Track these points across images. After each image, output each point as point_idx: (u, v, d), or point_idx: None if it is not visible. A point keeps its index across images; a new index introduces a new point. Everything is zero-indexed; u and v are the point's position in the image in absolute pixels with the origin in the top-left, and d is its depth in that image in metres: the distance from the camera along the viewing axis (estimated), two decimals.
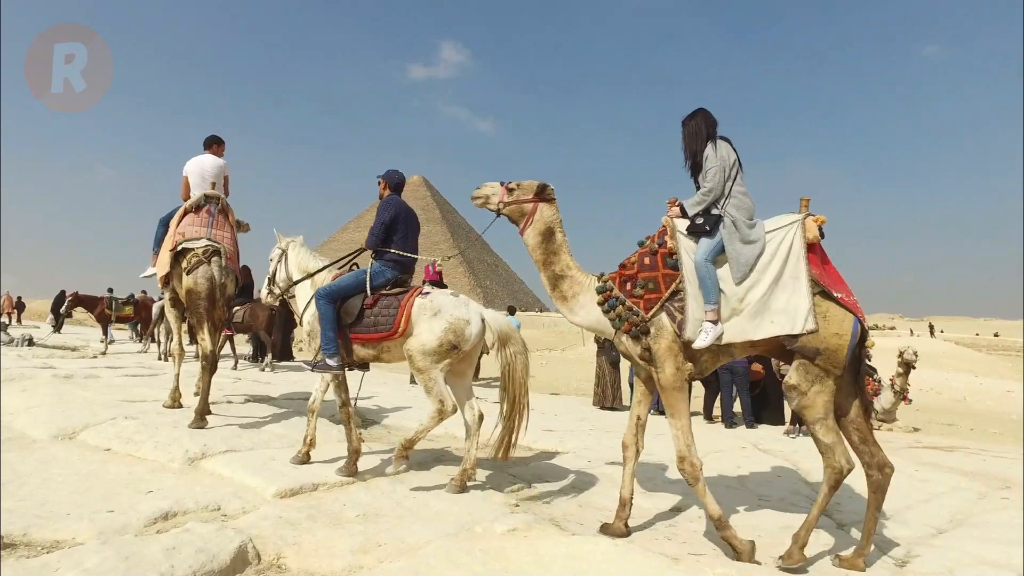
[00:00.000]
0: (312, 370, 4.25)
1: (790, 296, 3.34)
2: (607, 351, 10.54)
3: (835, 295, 3.33)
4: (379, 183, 4.69)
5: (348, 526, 3.29)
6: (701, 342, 3.42)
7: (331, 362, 4.19)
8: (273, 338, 11.40)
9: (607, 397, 10.32)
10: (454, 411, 4.18)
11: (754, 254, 3.42)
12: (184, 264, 5.49)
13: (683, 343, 3.48)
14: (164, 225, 5.96)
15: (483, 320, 4.33)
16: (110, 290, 15.26)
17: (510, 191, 3.98)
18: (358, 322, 4.27)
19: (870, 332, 3.59)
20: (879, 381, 10.23)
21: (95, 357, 11.10)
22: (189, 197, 5.83)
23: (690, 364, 3.54)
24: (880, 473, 3.43)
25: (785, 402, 8.23)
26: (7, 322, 18.36)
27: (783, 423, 8.98)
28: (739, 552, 3.35)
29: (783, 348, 3.41)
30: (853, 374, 3.50)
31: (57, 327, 17.31)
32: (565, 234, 3.99)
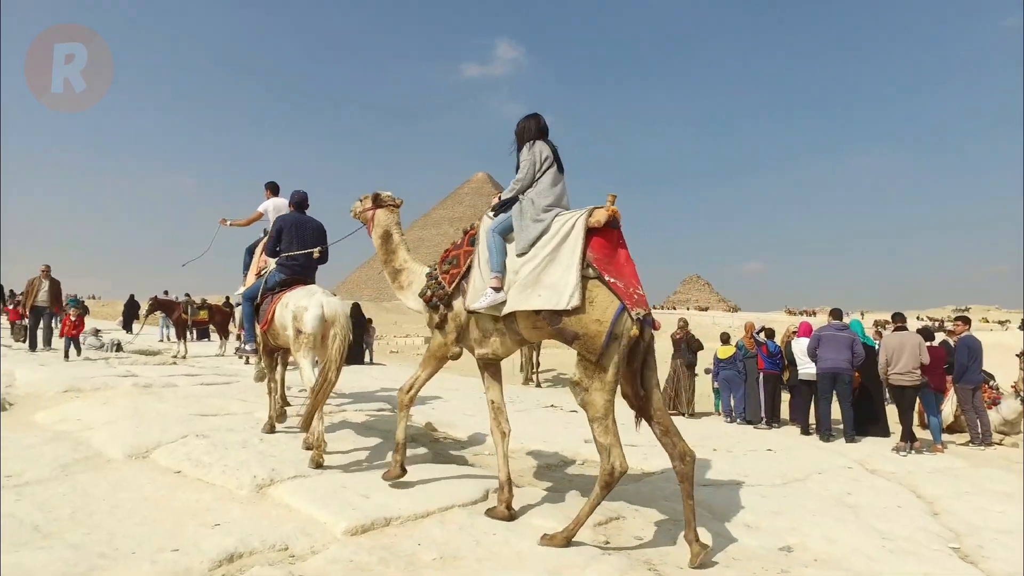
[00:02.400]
0: (236, 353, 5.82)
1: (562, 273, 3.42)
2: (683, 353, 9.91)
3: (607, 280, 3.36)
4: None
5: (425, 573, 2.96)
6: (479, 304, 3.74)
7: (247, 347, 5.75)
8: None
9: (682, 402, 9.69)
10: (316, 392, 4.51)
11: (537, 231, 3.61)
12: None
13: (468, 314, 3.89)
14: (249, 253, 7.06)
15: (321, 306, 4.76)
16: (187, 295, 15.83)
17: (361, 202, 4.79)
18: (258, 316, 5.29)
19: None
20: (997, 388, 9.14)
21: (174, 363, 11.42)
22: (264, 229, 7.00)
23: (456, 340, 4.02)
24: (682, 463, 3.53)
25: (899, 415, 7.41)
26: (99, 328, 19.44)
27: (881, 435, 8.11)
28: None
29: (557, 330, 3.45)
30: (641, 368, 3.55)
31: (127, 327, 18.47)
32: (402, 234, 4.73)
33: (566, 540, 3.37)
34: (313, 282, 5.36)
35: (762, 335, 9.46)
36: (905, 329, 7.63)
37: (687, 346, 9.97)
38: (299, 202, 5.52)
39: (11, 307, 16.93)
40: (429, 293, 4.08)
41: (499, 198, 4.04)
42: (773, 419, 8.96)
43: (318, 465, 4.34)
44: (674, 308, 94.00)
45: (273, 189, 7.28)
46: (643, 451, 6.28)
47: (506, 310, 3.65)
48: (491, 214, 4.01)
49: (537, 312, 3.52)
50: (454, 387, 10.61)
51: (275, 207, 6.99)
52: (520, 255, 3.66)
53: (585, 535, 3.62)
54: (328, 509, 3.55)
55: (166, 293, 16.40)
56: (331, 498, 3.75)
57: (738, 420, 9.11)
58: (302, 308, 4.75)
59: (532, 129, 3.99)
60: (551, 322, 3.45)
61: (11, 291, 21.55)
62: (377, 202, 4.69)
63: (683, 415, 9.63)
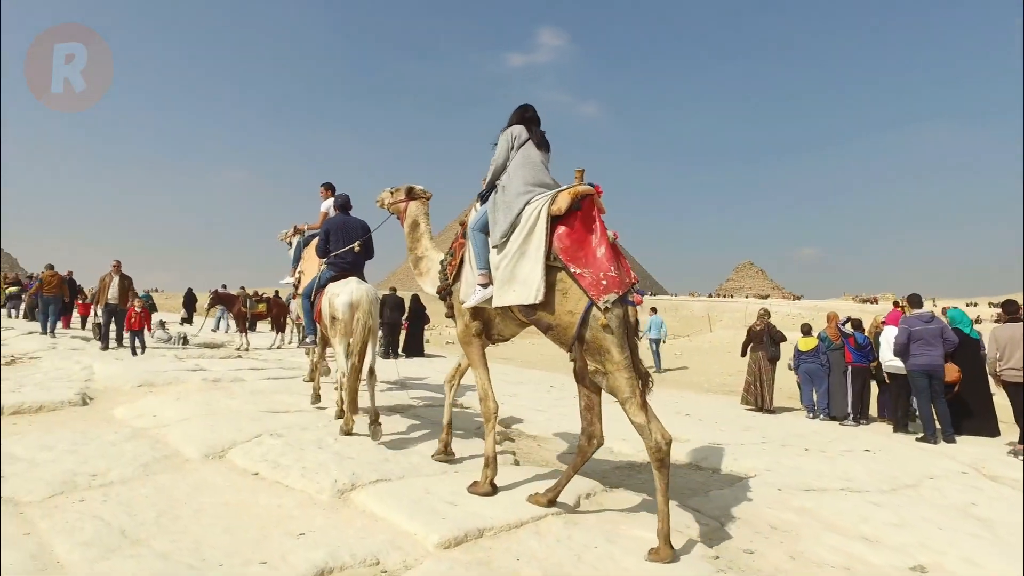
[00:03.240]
0: (298, 346, 6.30)
1: (531, 268, 3.36)
2: (764, 346, 9.34)
3: (572, 271, 3.26)
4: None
5: None
6: (468, 302, 3.85)
7: (308, 340, 6.17)
8: (406, 332, 11.43)
9: (764, 399, 9.14)
10: (346, 377, 5.05)
11: (507, 223, 3.51)
12: None
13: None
14: (303, 246, 7.48)
15: (350, 293, 5.09)
16: (242, 288, 16.12)
17: (392, 194, 5.13)
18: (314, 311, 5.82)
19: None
20: None
21: (239, 356, 11.56)
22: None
23: (476, 322, 4.04)
24: (588, 443, 3.69)
25: (1015, 415, 6.72)
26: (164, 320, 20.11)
27: (988, 434, 7.39)
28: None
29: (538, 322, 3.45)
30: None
31: (189, 320, 19.13)
32: (429, 224, 5.02)
33: (670, 551, 3.10)
34: (361, 277, 5.55)
35: (848, 326, 8.81)
36: (1019, 320, 6.90)
37: (770, 338, 9.39)
38: (343, 204, 5.83)
39: (81, 302, 17.67)
40: (439, 284, 4.35)
41: (484, 182, 3.99)
42: (862, 415, 8.34)
43: (347, 433, 4.96)
44: (731, 296, 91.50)
45: (329, 189, 7.54)
46: (731, 452, 5.87)
47: (493, 305, 3.66)
48: (477, 205, 4.02)
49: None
50: (518, 380, 10.38)
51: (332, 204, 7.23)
52: (495, 248, 3.62)
53: (695, 551, 3.29)
54: (417, 519, 3.31)
55: (224, 287, 16.70)
56: (418, 506, 3.52)
57: (821, 416, 8.52)
58: (335, 295, 5.15)
59: (513, 118, 3.96)
60: (526, 314, 3.49)
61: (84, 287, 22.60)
62: (411, 195, 5.05)
63: (763, 411, 9.09)
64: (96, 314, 12.45)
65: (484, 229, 3.76)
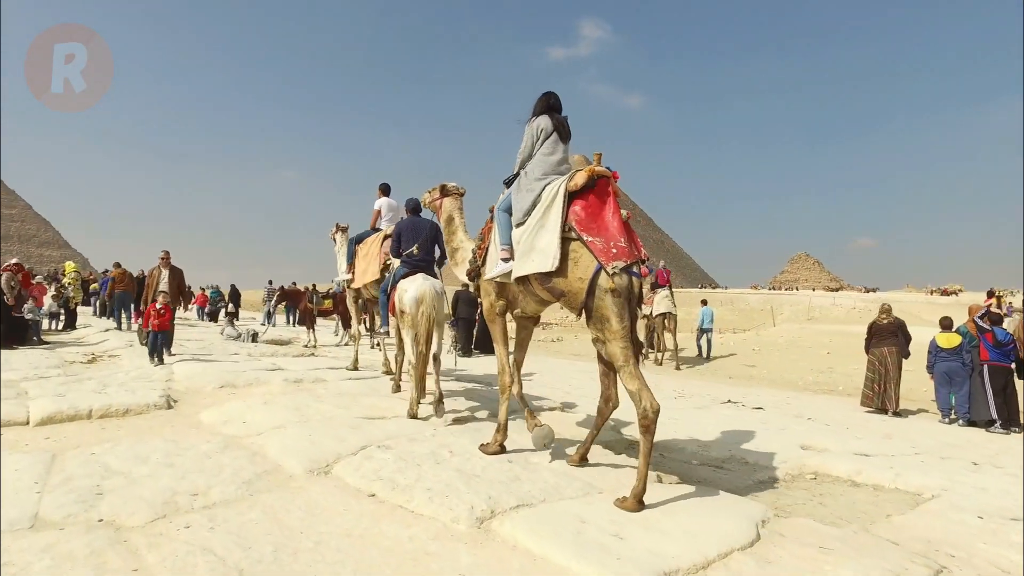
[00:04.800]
0: (373, 334, 7.09)
1: (549, 238, 3.62)
2: (899, 343, 8.35)
3: (586, 239, 3.51)
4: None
5: None
6: (492, 274, 4.18)
7: (382, 330, 6.76)
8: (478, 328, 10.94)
9: (890, 400, 8.18)
10: (414, 365, 5.40)
11: (529, 201, 3.84)
12: (390, 274, 7.09)
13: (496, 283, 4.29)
14: (355, 243, 8.09)
15: (417, 288, 5.36)
16: (313, 285, 15.90)
17: (430, 193, 5.70)
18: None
19: None
20: None
21: (312, 354, 11.25)
22: (376, 224, 8.05)
23: (501, 301, 4.38)
24: (605, 405, 4.03)
25: None
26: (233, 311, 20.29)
27: None
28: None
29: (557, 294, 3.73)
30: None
31: (235, 315, 19.50)
32: (463, 217, 5.54)
33: (638, 505, 3.33)
34: (432, 274, 5.81)
35: (986, 320, 7.78)
36: None
37: (902, 334, 8.41)
38: (414, 208, 6.13)
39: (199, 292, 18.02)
40: (468, 268, 4.73)
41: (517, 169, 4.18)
42: (1011, 422, 7.31)
43: (413, 416, 5.34)
44: (795, 289, 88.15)
45: (384, 190, 8.11)
46: (889, 464, 5.05)
47: (513, 276, 3.98)
48: (505, 190, 4.28)
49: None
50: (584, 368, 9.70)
51: (387, 205, 8.02)
52: (518, 226, 3.94)
53: None
54: (588, 559, 2.69)
55: (294, 284, 16.61)
56: (580, 540, 2.89)
57: (960, 421, 7.54)
58: (404, 291, 5.46)
59: (537, 107, 4.17)
60: (543, 282, 3.73)
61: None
62: (444, 191, 5.61)
63: (888, 413, 8.14)
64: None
65: (508, 209, 4.10)
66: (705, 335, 15.94)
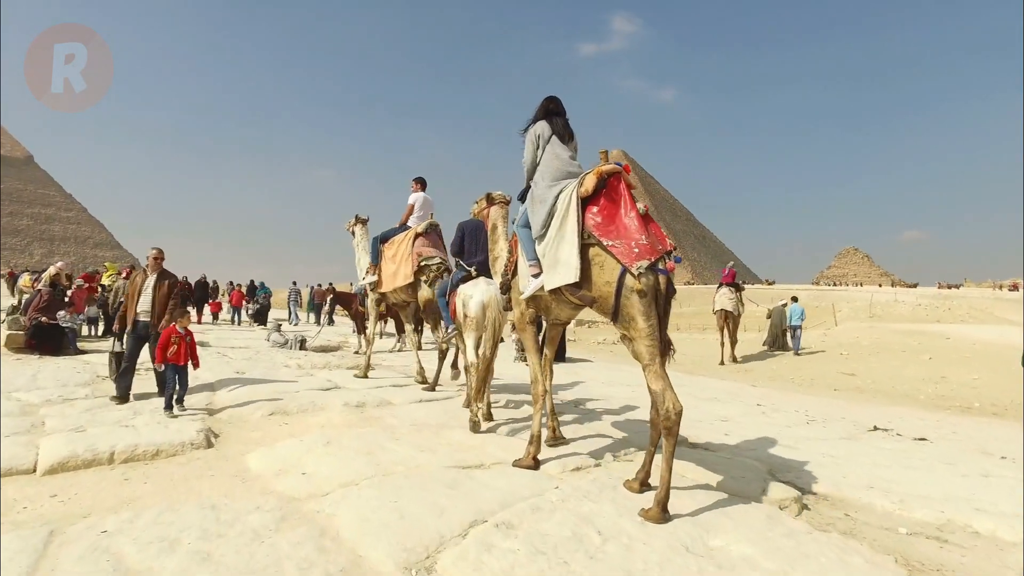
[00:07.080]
0: (444, 333, 6.74)
1: (569, 249, 3.60)
2: None
3: (606, 244, 3.46)
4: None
5: None
6: (526, 293, 4.14)
7: (450, 330, 6.19)
8: None
9: None
10: (476, 366, 5.32)
11: (544, 213, 3.79)
12: (424, 278, 7.05)
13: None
14: (380, 241, 7.81)
15: (482, 294, 5.36)
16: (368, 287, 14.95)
17: (478, 203, 5.67)
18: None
19: None
20: None
21: (370, 372, 10.10)
22: (408, 220, 7.71)
23: (531, 310, 4.32)
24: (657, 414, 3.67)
25: None
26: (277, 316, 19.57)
27: None
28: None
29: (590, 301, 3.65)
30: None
31: (329, 322, 18.90)
32: (506, 225, 5.38)
33: (661, 513, 3.14)
34: (490, 277, 5.59)
35: None
36: None
37: None
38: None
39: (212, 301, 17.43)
40: (501, 280, 4.66)
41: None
42: None
43: (475, 426, 5.09)
44: (844, 285, 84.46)
45: (421, 183, 7.81)
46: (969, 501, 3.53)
47: (545, 289, 3.89)
48: (519, 202, 4.34)
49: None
50: (631, 368, 8.26)
51: (422, 200, 7.71)
52: (538, 239, 3.86)
53: None
54: None
55: (351, 285, 15.76)
56: None
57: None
58: (468, 296, 5.45)
59: (537, 113, 4.18)
60: (572, 292, 3.65)
61: (213, 280, 22.66)
62: (490, 200, 5.44)
63: None
64: (123, 340, 6.85)
65: (526, 224, 4.03)
66: (795, 332, 16.29)
